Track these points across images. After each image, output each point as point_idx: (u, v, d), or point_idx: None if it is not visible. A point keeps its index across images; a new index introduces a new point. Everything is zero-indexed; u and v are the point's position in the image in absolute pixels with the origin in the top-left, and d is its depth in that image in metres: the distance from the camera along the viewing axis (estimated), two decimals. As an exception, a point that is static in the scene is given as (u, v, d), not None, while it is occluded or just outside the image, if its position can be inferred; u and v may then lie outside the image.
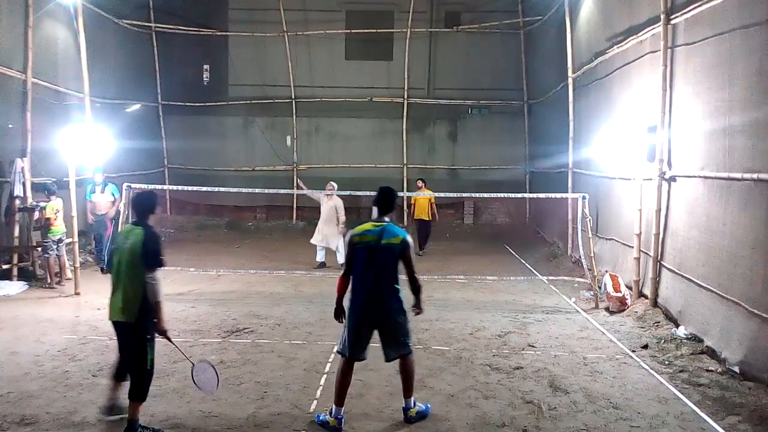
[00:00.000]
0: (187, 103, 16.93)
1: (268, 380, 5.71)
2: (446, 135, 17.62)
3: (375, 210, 4.94)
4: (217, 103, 17.06)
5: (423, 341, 6.89)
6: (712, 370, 5.92)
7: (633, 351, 6.68)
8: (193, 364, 5.01)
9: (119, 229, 9.51)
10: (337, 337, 7.03)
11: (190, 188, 12.37)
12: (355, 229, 4.91)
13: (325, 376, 5.86)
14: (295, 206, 17.29)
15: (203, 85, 17.31)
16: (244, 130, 17.51)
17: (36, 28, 10.41)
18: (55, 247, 9.58)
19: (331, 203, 11.46)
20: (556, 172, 13.45)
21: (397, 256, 4.77)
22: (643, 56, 8.61)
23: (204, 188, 11.33)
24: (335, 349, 5.13)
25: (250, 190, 12.12)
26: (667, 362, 6.29)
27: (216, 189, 11.31)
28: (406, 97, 17.13)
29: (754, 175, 5.68)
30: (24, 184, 9.88)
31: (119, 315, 4.62)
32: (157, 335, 4.77)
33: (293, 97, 17.16)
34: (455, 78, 17.28)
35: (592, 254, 9.18)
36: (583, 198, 9.12)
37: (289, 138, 17.29)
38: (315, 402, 5.24)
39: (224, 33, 16.98)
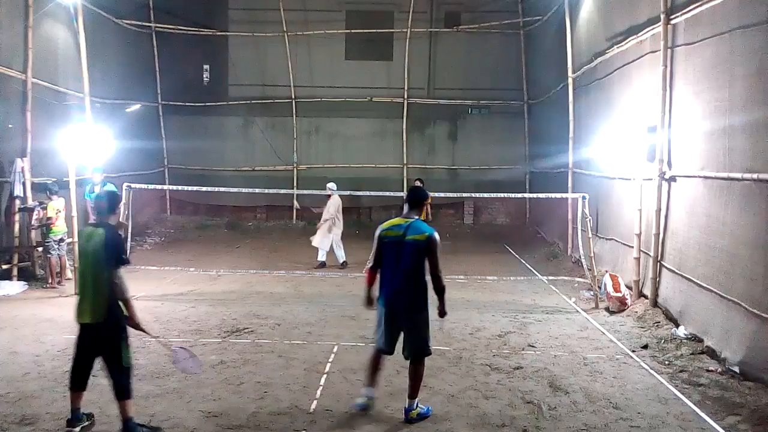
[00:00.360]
0: (187, 103, 16.93)
1: (268, 380, 5.71)
2: (446, 135, 17.62)
3: (406, 207, 5.14)
4: (217, 103, 17.05)
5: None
6: (712, 370, 5.92)
7: (633, 351, 6.69)
8: (174, 351, 5.14)
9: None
10: (338, 337, 7.09)
11: (190, 188, 12.38)
12: (384, 224, 5.11)
13: (325, 376, 5.86)
14: (295, 206, 17.28)
15: (203, 85, 17.31)
16: (244, 130, 17.51)
17: (36, 28, 10.41)
18: (56, 246, 9.58)
19: (328, 202, 11.57)
20: (556, 172, 13.45)
21: (422, 252, 4.87)
22: (643, 56, 8.61)
23: (204, 188, 11.34)
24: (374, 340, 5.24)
25: (250, 190, 12.12)
26: (667, 362, 6.29)
27: (216, 189, 11.32)
28: (406, 97, 17.13)
29: (754, 175, 5.68)
30: (24, 184, 9.88)
31: (88, 317, 4.61)
32: (140, 332, 4.85)
33: (293, 97, 17.16)
34: (455, 78, 17.28)
35: (592, 254, 9.18)
36: (583, 198, 9.12)
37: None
38: (315, 402, 5.24)
39: (224, 33, 16.98)
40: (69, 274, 9.73)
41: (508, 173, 16.57)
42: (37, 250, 10.01)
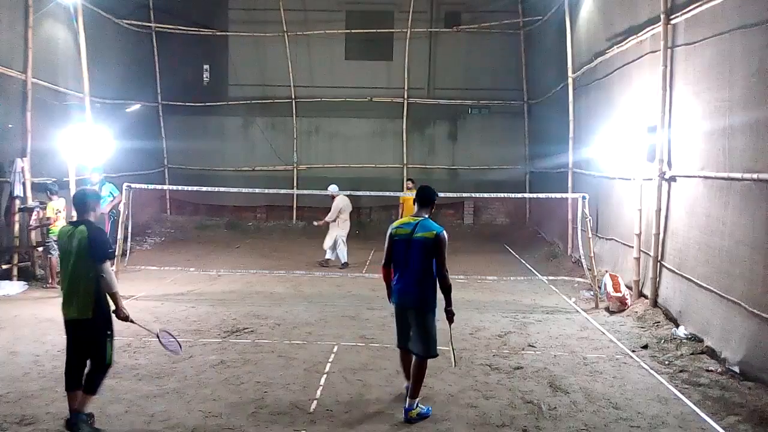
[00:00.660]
0: (187, 103, 16.93)
1: (268, 380, 5.71)
2: (446, 135, 17.62)
3: (416, 206, 5.30)
4: (217, 103, 17.05)
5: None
6: (712, 370, 5.92)
7: (633, 351, 6.69)
8: (157, 334, 5.30)
9: (116, 226, 9.55)
10: (338, 337, 7.10)
11: (190, 188, 12.38)
12: (395, 222, 5.36)
13: (325, 376, 5.86)
14: (295, 206, 17.30)
15: (203, 85, 17.31)
16: (244, 130, 17.51)
17: (36, 28, 10.41)
18: (56, 246, 9.57)
19: (332, 203, 11.68)
20: (556, 172, 13.45)
21: (431, 249, 4.98)
22: (643, 56, 8.61)
23: (204, 188, 11.34)
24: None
25: (250, 190, 12.13)
26: (667, 362, 6.29)
27: (216, 189, 11.32)
28: (406, 97, 17.12)
29: (754, 175, 5.68)
30: (24, 184, 9.88)
31: (75, 313, 4.65)
32: (130, 323, 4.97)
33: (293, 97, 17.16)
34: (455, 78, 17.28)
35: (592, 254, 9.18)
36: (583, 198, 9.12)
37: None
38: (315, 402, 5.23)
39: (224, 33, 16.98)
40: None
41: (508, 173, 16.57)
42: (37, 250, 10.01)
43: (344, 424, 4.83)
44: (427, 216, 5.19)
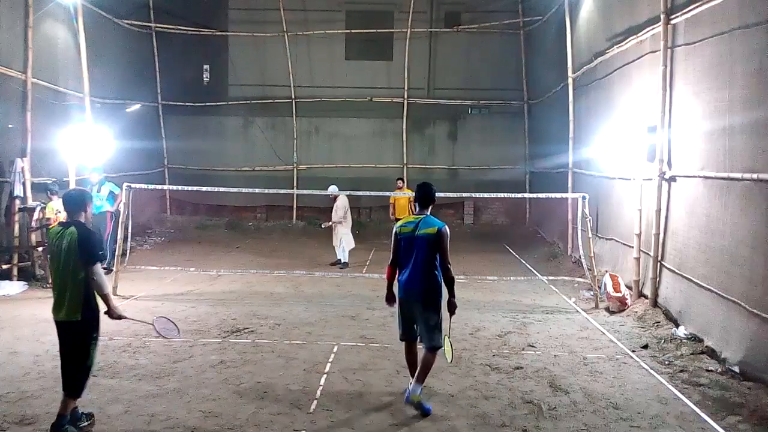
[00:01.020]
0: (187, 103, 16.94)
1: (268, 380, 5.71)
2: (446, 135, 17.63)
3: (416, 206, 5.46)
4: (217, 103, 17.07)
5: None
6: (712, 370, 5.92)
7: (633, 351, 6.69)
8: (153, 322, 5.32)
9: (116, 226, 9.54)
10: (338, 337, 7.10)
11: (190, 188, 12.37)
12: (400, 221, 5.52)
13: (325, 376, 5.86)
14: (295, 206, 17.30)
15: (203, 85, 17.32)
16: (244, 130, 17.52)
17: (36, 28, 10.41)
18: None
19: (335, 204, 11.73)
20: (556, 172, 13.45)
21: (433, 245, 5.16)
22: (643, 56, 8.61)
23: (204, 188, 11.33)
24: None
25: (250, 190, 12.12)
26: (667, 362, 6.29)
27: (216, 189, 11.31)
28: (406, 97, 17.13)
29: (754, 175, 5.68)
30: (24, 184, 9.88)
31: (64, 315, 4.64)
32: (124, 319, 4.98)
33: (293, 97, 17.17)
34: (455, 78, 17.29)
35: (592, 254, 9.18)
36: (583, 198, 9.11)
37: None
38: (315, 402, 5.24)
39: (224, 33, 16.98)
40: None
41: (508, 173, 16.58)
42: (37, 250, 10.01)
43: (344, 424, 4.83)
44: (428, 213, 5.35)
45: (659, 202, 7.95)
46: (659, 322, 7.45)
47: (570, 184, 12.35)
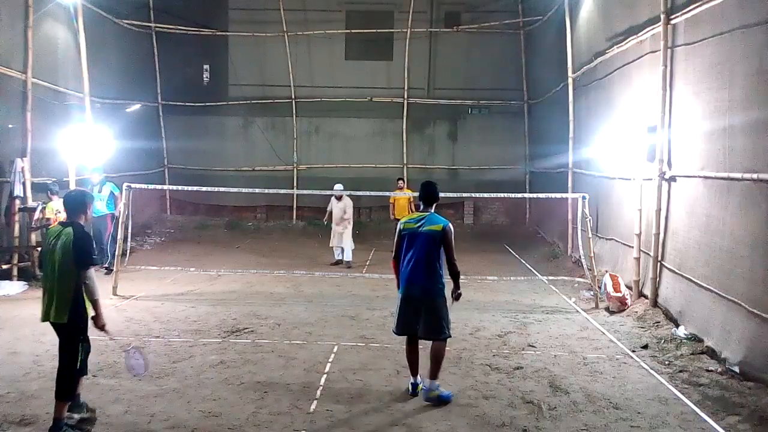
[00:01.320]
0: (187, 103, 16.93)
1: (268, 380, 5.71)
2: (446, 135, 17.63)
3: (421, 204, 5.56)
4: (217, 103, 17.06)
5: (423, 341, 6.88)
6: (712, 370, 5.92)
7: (633, 351, 6.69)
8: (126, 352, 5.14)
9: (118, 228, 9.53)
10: (338, 337, 7.10)
11: (190, 188, 12.38)
12: (404, 217, 5.64)
13: (325, 376, 5.86)
14: (295, 206, 17.30)
15: (203, 85, 17.32)
16: (244, 130, 17.52)
17: (36, 28, 10.41)
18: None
19: (341, 204, 11.68)
20: (556, 172, 13.45)
21: (438, 242, 5.28)
22: (643, 56, 8.61)
23: (204, 188, 11.33)
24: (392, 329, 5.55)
25: (250, 190, 12.11)
26: (667, 362, 6.29)
27: (216, 189, 11.31)
28: (406, 97, 17.13)
29: (754, 175, 5.68)
30: (24, 184, 9.88)
31: (52, 316, 4.61)
32: (103, 333, 4.85)
33: (293, 97, 17.16)
34: (455, 78, 17.28)
35: (592, 254, 9.18)
36: (583, 198, 9.11)
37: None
38: (315, 402, 5.23)
39: (224, 33, 16.98)
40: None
41: (508, 173, 16.57)
42: (37, 250, 9.99)
43: (344, 424, 4.83)
44: (432, 211, 5.46)
45: (659, 202, 7.95)
46: (659, 322, 7.45)
47: (570, 184, 12.35)
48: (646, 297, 8.24)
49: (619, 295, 8.38)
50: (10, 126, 9.97)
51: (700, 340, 6.59)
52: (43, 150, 10.46)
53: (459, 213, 17.47)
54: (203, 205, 17.27)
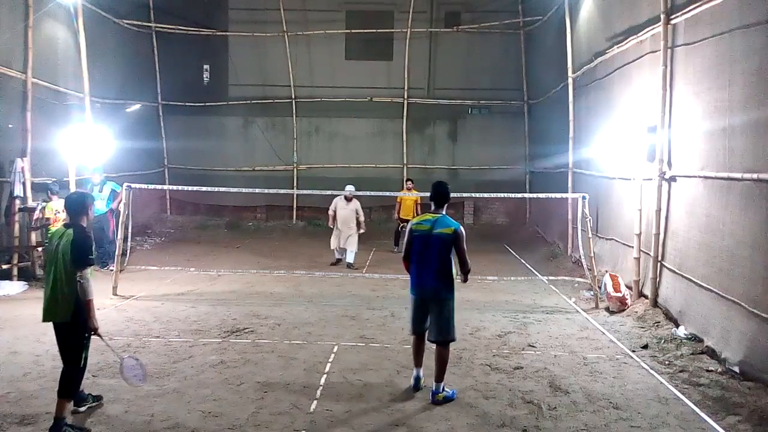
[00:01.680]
0: (187, 103, 16.94)
1: (268, 380, 5.71)
2: (446, 135, 17.63)
3: (432, 205, 5.57)
4: (217, 103, 17.07)
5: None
6: (712, 370, 5.92)
7: (633, 351, 6.69)
8: (121, 360, 5.16)
9: (118, 228, 9.54)
10: (337, 337, 7.10)
11: (190, 188, 12.37)
12: (415, 218, 5.76)
13: (325, 376, 5.86)
14: (295, 206, 17.31)
15: (203, 85, 17.33)
16: (244, 130, 17.52)
17: (36, 28, 10.40)
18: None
19: (351, 206, 11.58)
20: (556, 172, 13.45)
21: (449, 244, 5.34)
22: (643, 56, 8.61)
23: (204, 188, 11.33)
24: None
25: (250, 190, 12.11)
26: (667, 362, 6.29)
27: (216, 189, 11.31)
28: (406, 97, 17.13)
29: (754, 175, 5.68)
30: (24, 184, 9.88)
31: (54, 316, 4.69)
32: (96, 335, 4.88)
33: (293, 97, 17.17)
34: (455, 78, 17.29)
35: (592, 254, 9.18)
36: (583, 198, 9.12)
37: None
38: (315, 402, 5.24)
39: (224, 33, 16.98)
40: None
41: (508, 173, 16.59)
42: (37, 250, 10.01)
43: (344, 424, 4.83)
44: (443, 213, 5.49)
45: (659, 202, 7.95)
46: (659, 322, 7.45)
47: (570, 184, 12.35)
48: (646, 297, 8.24)
49: (619, 295, 8.38)
50: (10, 126, 9.97)
51: (700, 340, 6.59)
52: (43, 150, 10.46)
53: (459, 213, 17.44)
54: (203, 205, 17.28)
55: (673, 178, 7.69)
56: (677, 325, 7.13)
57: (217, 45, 17.04)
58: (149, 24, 16.14)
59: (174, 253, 12.96)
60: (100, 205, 10.64)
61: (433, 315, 5.39)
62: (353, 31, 17.05)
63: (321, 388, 5.56)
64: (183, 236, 15.34)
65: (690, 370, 5.99)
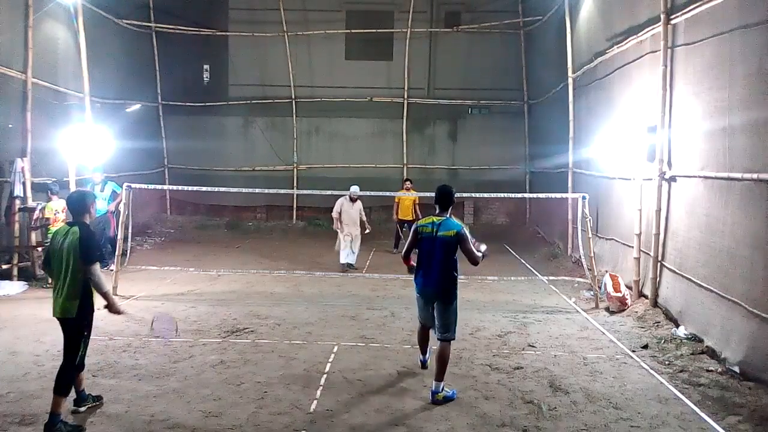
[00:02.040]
0: (187, 103, 16.94)
1: (268, 380, 5.71)
2: (446, 135, 17.63)
3: (436, 207, 5.69)
4: (217, 103, 17.07)
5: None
6: (712, 370, 5.92)
7: (633, 351, 6.69)
8: (156, 316, 5.24)
9: (118, 228, 9.54)
10: (337, 337, 7.10)
11: (190, 188, 12.37)
12: (421, 220, 5.79)
13: (325, 375, 5.86)
14: (295, 206, 17.31)
15: (203, 85, 17.33)
16: (244, 130, 17.52)
17: (36, 28, 10.41)
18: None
19: (357, 206, 11.56)
20: (556, 172, 13.45)
21: (453, 246, 5.46)
22: (643, 56, 8.61)
23: (204, 188, 11.32)
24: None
25: (250, 190, 12.11)
26: (667, 362, 6.29)
27: (216, 189, 11.31)
28: (406, 97, 17.13)
29: (754, 175, 5.68)
30: (24, 184, 9.88)
31: (60, 312, 4.76)
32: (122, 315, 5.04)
33: (293, 97, 17.17)
34: (455, 78, 17.28)
35: (592, 254, 9.18)
36: (583, 198, 9.11)
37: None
38: (315, 402, 5.24)
39: (224, 33, 16.98)
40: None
41: (508, 173, 16.58)
42: (37, 250, 10.01)
43: (344, 424, 4.83)
44: (447, 215, 5.62)
45: (659, 202, 7.95)
46: (659, 322, 7.45)
47: (570, 184, 12.35)
48: (646, 297, 8.24)
49: (619, 295, 8.38)
50: (10, 126, 9.97)
51: (700, 340, 6.59)
52: (43, 150, 10.46)
53: (459, 213, 17.41)
54: (203, 205, 17.28)
55: (673, 178, 7.69)
56: (677, 325, 7.13)
57: (217, 45, 17.04)
58: (149, 24, 16.15)
59: (174, 253, 12.96)
60: (101, 205, 10.64)
61: (437, 314, 5.53)
62: (353, 31, 17.05)
63: (321, 388, 5.56)
64: (183, 236, 15.34)
65: (690, 370, 5.99)
